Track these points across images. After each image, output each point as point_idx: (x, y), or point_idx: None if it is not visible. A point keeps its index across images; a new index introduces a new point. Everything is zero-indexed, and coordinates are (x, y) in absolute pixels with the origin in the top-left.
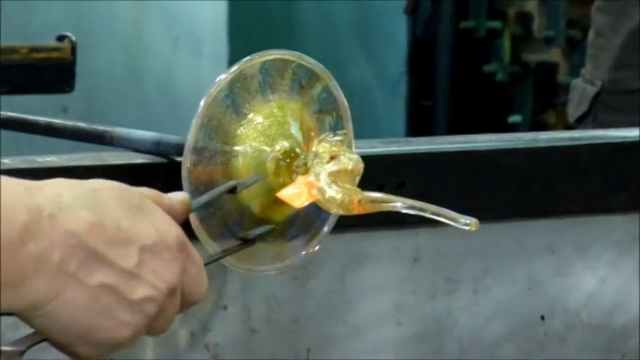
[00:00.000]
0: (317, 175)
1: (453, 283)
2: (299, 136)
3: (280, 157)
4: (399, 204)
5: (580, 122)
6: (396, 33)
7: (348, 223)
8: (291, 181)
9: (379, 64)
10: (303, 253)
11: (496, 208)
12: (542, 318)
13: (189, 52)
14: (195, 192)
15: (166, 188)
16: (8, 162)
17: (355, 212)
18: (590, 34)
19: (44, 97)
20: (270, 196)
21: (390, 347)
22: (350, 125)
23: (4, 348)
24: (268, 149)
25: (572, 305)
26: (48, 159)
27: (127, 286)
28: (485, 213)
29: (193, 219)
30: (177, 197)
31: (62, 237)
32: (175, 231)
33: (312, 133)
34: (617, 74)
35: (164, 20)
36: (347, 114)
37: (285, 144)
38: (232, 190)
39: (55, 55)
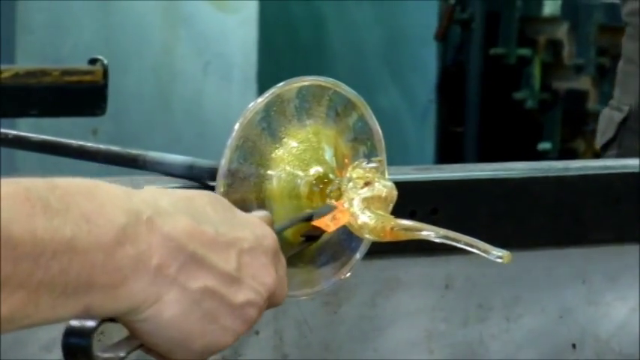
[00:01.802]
0: (350, 201)
1: (484, 310)
2: (333, 162)
3: (314, 182)
4: (432, 233)
5: (606, 149)
6: (425, 60)
7: (380, 250)
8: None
9: (409, 90)
10: (334, 279)
11: (527, 236)
12: (574, 346)
13: (219, 77)
14: None
15: None
16: None
17: (387, 239)
18: (620, 62)
19: (74, 119)
20: None
21: None
22: (384, 155)
23: (102, 355)
24: (302, 174)
25: (603, 334)
26: None
27: (228, 290)
28: (517, 241)
29: None
30: (259, 213)
31: (161, 241)
32: (271, 235)
33: (346, 161)
34: None
35: (194, 45)
36: (381, 144)
37: (319, 169)
38: (309, 219)
39: (87, 78)
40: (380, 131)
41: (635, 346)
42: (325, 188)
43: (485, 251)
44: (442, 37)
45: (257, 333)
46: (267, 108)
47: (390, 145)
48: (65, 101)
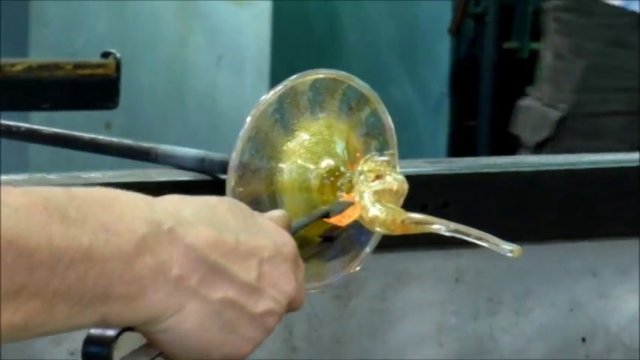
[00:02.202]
0: (361, 194)
1: (494, 304)
2: (344, 155)
3: (325, 175)
4: (443, 227)
5: (541, 148)
6: (439, 53)
7: (390, 243)
8: (335, 199)
9: (422, 84)
10: (343, 273)
11: (539, 230)
12: (584, 340)
13: (233, 71)
14: None
15: None
16: (54, 178)
17: (398, 232)
18: (548, 57)
19: (86, 112)
20: None
21: None
22: (396, 150)
23: None
24: (313, 167)
25: (613, 327)
26: (92, 175)
27: (249, 300)
28: (528, 234)
29: None
30: (277, 214)
31: (182, 252)
32: (291, 241)
33: (358, 154)
34: (581, 97)
35: (208, 38)
36: (393, 140)
37: (330, 162)
38: (326, 216)
39: (99, 71)
40: (392, 127)
41: None
42: (336, 181)
43: (495, 245)
44: (456, 30)
45: None
46: (281, 100)
47: (402, 138)
48: (77, 94)
